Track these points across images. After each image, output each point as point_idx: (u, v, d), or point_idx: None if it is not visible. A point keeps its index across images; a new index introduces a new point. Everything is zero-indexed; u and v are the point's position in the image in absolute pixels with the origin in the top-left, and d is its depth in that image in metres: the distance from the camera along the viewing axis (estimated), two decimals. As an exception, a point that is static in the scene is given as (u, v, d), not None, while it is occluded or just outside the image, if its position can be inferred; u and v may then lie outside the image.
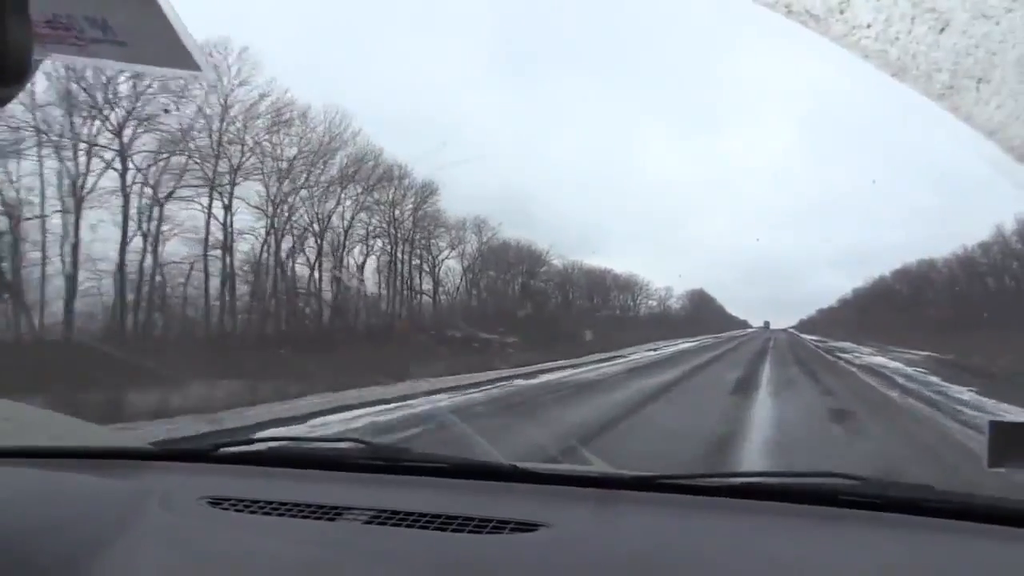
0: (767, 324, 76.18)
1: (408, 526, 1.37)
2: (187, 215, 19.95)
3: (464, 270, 31.11)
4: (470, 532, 1.33)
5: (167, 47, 0.99)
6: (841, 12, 1.06)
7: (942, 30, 1.03)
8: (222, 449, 1.95)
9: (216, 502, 1.50)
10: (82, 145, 16.84)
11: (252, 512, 1.46)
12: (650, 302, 48.68)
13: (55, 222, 16.45)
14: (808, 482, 1.60)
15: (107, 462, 1.86)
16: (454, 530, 1.34)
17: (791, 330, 70.80)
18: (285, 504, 1.48)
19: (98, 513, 1.40)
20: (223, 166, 19.97)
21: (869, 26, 1.07)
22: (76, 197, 16.64)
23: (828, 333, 52.49)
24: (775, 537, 1.38)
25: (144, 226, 18.69)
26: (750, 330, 70.71)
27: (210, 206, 20.07)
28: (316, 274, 24.09)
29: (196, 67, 1.02)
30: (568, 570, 1.23)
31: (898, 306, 41.90)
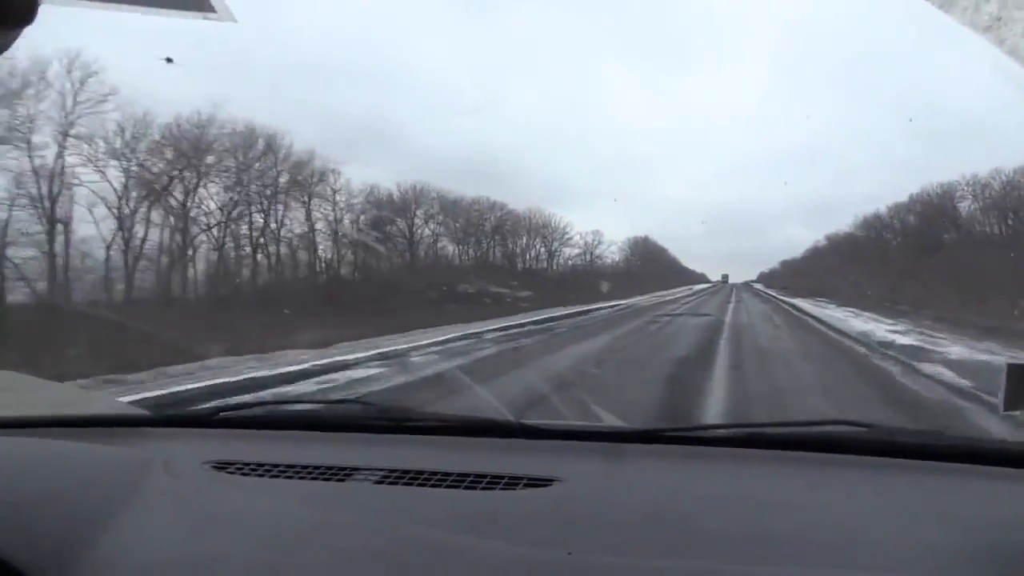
0: (725, 278, 74.55)
1: (420, 485, 1.35)
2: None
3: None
4: (483, 489, 1.33)
5: None
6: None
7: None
8: (224, 414, 1.91)
9: (221, 466, 1.47)
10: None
11: (259, 475, 1.44)
12: (571, 251, 40.26)
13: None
14: (814, 431, 1.61)
15: (109, 430, 1.81)
16: (467, 487, 1.33)
17: (754, 285, 68.06)
18: (292, 466, 1.46)
19: (102, 481, 1.37)
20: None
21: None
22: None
23: (785, 286, 50.17)
24: (783, 484, 1.39)
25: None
26: (704, 286, 66.34)
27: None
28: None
29: (210, 8, 0.95)
30: (584, 523, 1.22)
31: (862, 257, 38.28)
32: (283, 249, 23.88)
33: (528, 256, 38.21)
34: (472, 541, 1.13)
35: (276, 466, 1.47)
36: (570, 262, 41.33)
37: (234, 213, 22.11)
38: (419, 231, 29.79)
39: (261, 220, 22.95)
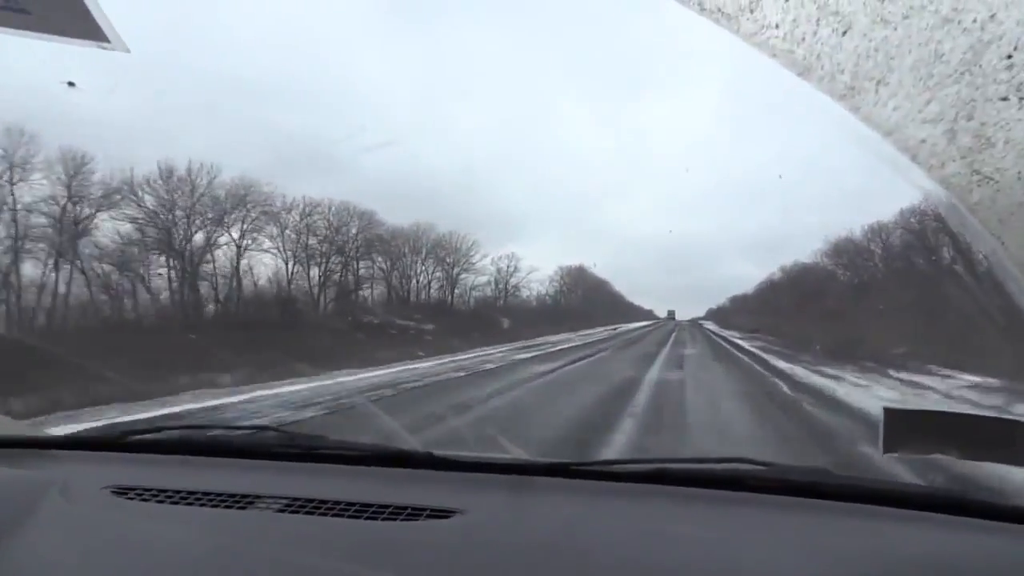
0: (672, 314, 73.07)
1: (322, 514, 1.35)
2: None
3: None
4: (385, 519, 1.33)
5: (74, 17, 0.92)
6: (751, 11, 1.08)
7: (845, 32, 1.07)
8: (130, 438, 1.86)
9: (121, 492, 1.45)
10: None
11: (159, 501, 1.41)
12: (478, 279, 34.00)
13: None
14: (716, 468, 1.65)
15: (8, 451, 1.76)
16: (369, 517, 1.34)
17: (701, 322, 65.22)
18: (194, 493, 1.44)
19: None
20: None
21: (777, 26, 1.09)
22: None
23: (727, 323, 48.69)
24: (683, 521, 1.42)
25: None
26: (644, 324, 60.65)
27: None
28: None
29: (105, 39, 0.95)
30: (483, 555, 1.23)
31: (803, 294, 36.14)
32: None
33: (417, 282, 31.51)
34: (366, 572, 1.14)
35: (178, 492, 1.45)
36: (473, 292, 35.17)
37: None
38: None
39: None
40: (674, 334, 41.27)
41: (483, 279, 35.65)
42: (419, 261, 32.37)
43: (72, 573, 1.13)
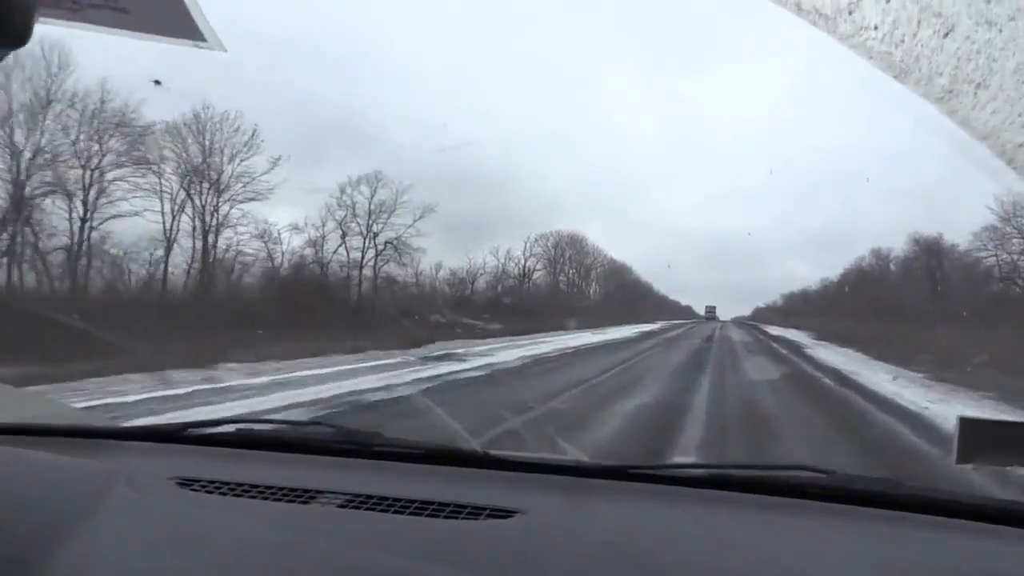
0: (711, 312, 60.94)
1: (383, 510, 1.37)
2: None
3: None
4: (445, 517, 1.34)
5: (171, 15, 0.95)
6: (850, 13, 1.08)
7: (946, 34, 1.06)
8: (191, 430, 1.91)
9: (185, 483, 1.48)
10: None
11: (223, 493, 1.44)
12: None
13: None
14: (777, 475, 1.65)
15: (73, 440, 1.80)
16: (429, 515, 1.35)
17: (752, 323, 52.03)
18: (256, 486, 1.47)
19: (64, 492, 1.37)
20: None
21: (876, 28, 1.09)
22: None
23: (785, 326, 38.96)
24: (744, 527, 1.41)
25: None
26: (669, 325, 46.41)
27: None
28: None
29: (201, 37, 0.98)
30: (544, 556, 1.24)
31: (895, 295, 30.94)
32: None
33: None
34: (431, 569, 1.14)
35: (241, 485, 1.47)
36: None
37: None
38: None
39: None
40: (714, 348, 25.27)
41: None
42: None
43: (140, 561, 1.16)
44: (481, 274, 33.06)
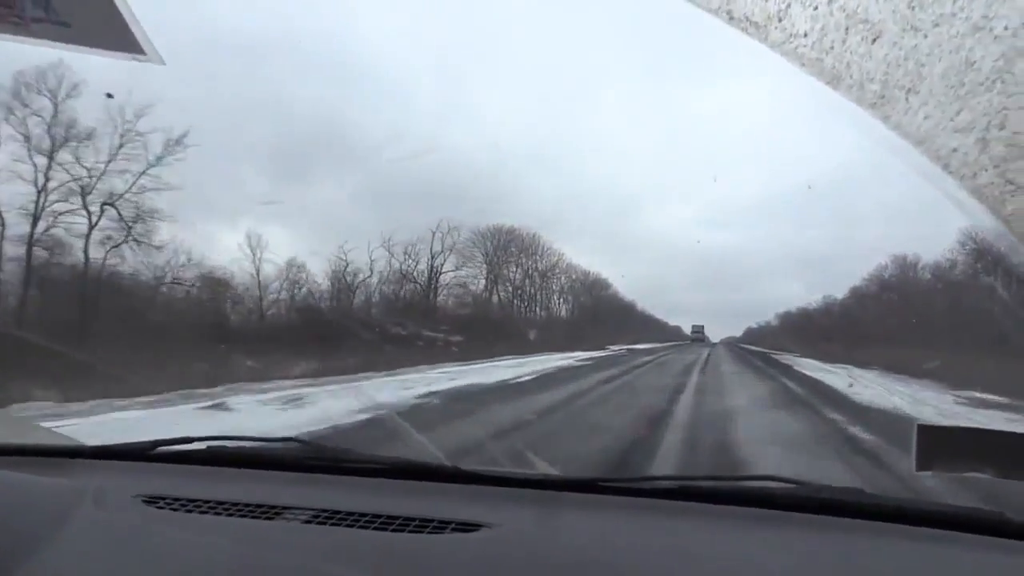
0: (699, 332, 57.98)
1: (348, 525, 1.36)
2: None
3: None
4: (411, 532, 1.33)
5: (113, 30, 0.96)
6: (779, 20, 1.09)
7: (874, 40, 1.07)
8: (159, 448, 1.88)
9: (151, 500, 1.47)
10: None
11: (188, 511, 1.43)
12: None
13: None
14: (746, 485, 1.64)
15: (40, 460, 1.79)
16: (395, 530, 1.34)
17: (750, 348, 44.96)
18: (223, 503, 1.46)
19: (29, 511, 1.36)
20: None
21: (806, 35, 1.10)
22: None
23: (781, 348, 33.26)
24: (712, 539, 1.40)
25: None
26: (650, 348, 38.97)
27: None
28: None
29: (141, 51, 0.99)
30: (509, 569, 1.23)
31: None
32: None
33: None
34: None
35: (207, 502, 1.47)
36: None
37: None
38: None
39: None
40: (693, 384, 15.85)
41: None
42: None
43: None
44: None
